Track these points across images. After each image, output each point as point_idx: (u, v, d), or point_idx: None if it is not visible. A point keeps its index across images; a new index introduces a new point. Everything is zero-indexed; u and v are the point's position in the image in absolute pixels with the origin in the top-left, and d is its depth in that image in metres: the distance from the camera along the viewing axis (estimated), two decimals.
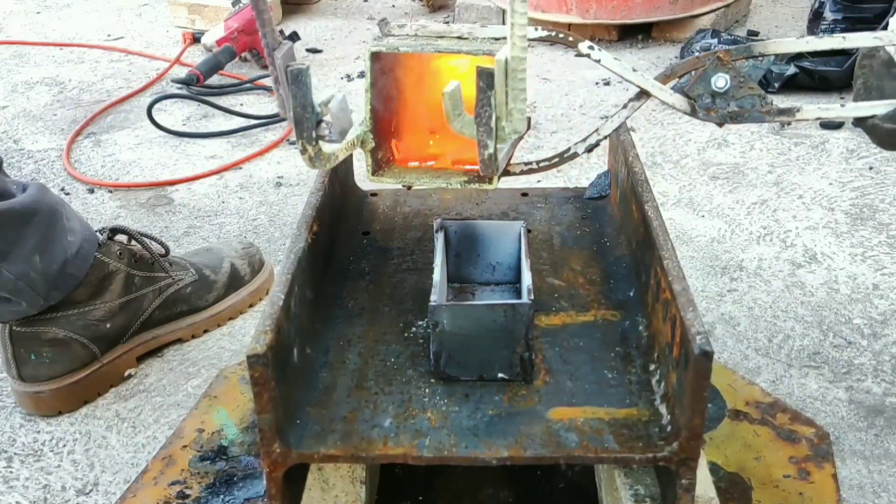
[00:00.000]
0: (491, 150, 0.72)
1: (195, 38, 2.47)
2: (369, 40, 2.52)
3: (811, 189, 1.62)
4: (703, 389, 0.63)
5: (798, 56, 2.00)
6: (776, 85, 2.00)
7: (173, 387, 1.19)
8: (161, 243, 1.26)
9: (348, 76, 2.27)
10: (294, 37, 2.35)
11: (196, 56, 2.37)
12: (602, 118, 1.94)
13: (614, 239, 0.93)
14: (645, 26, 2.44)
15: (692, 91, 0.79)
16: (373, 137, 0.83)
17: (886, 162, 1.71)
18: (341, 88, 2.20)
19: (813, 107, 0.79)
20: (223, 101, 2.12)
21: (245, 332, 1.29)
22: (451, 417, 0.70)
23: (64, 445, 1.09)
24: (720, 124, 0.80)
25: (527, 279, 0.78)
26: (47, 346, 1.12)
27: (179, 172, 1.79)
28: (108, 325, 1.16)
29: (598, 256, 0.92)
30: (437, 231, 0.86)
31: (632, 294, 0.84)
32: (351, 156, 1.03)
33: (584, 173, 1.71)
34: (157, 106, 2.00)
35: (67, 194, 1.71)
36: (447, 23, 0.85)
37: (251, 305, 1.34)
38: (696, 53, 2.31)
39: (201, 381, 1.18)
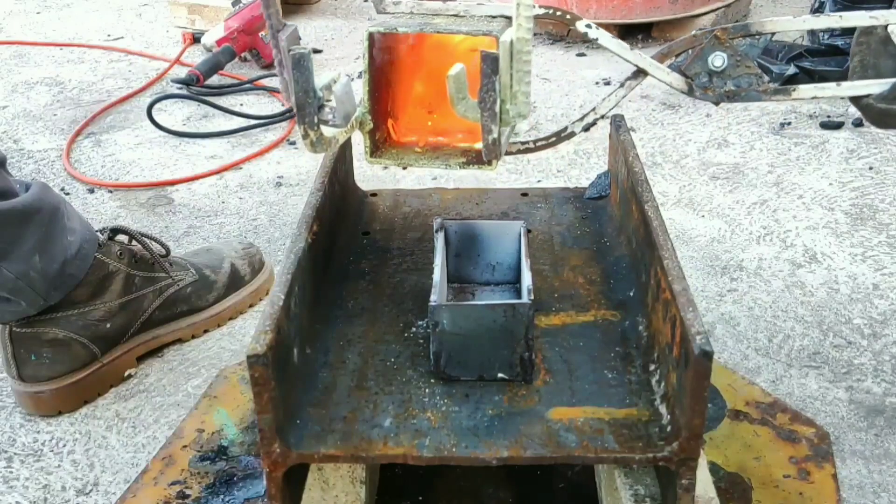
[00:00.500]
0: (495, 135, 0.72)
1: (195, 38, 2.47)
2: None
3: (811, 189, 1.62)
4: (703, 389, 0.63)
5: (798, 56, 2.01)
6: (776, 85, 2.00)
7: (173, 387, 1.19)
8: (161, 243, 1.26)
9: (349, 76, 2.27)
10: None
11: (196, 56, 2.37)
12: (602, 117, 1.94)
13: (614, 239, 0.93)
14: (645, 26, 2.44)
15: (689, 70, 0.79)
16: (371, 119, 0.83)
17: (886, 162, 1.71)
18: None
19: (809, 87, 0.79)
20: (223, 101, 2.12)
21: (245, 332, 1.29)
22: (451, 417, 0.70)
23: (64, 445, 1.09)
24: (716, 103, 0.80)
25: (527, 279, 0.78)
26: (47, 347, 1.12)
27: (179, 172, 1.79)
28: (108, 326, 1.16)
29: (598, 256, 0.92)
30: (437, 231, 0.86)
31: (632, 294, 0.84)
32: (351, 156, 1.04)
33: (584, 173, 1.71)
34: (157, 106, 2.00)
35: (67, 194, 1.71)
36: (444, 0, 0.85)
37: (251, 305, 1.34)
38: None
39: (201, 381, 1.18)
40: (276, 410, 0.66)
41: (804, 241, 1.46)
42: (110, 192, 1.73)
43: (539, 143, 0.85)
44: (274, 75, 2.24)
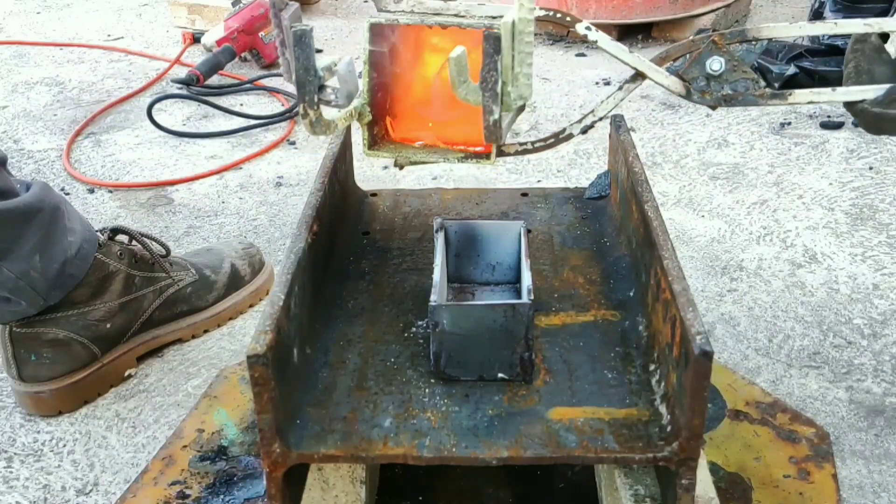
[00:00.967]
0: (496, 116, 0.72)
1: (195, 38, 2.47)
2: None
3: (811, 189, 1.62)
4: (703, 389, 0.63)
5: (798, 56, 2.01)
6: (776, 85, 2.00)
7: (173, 387, 1.19)
8: (161, 244, 1.26)
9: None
10: None
11: (196, 56, 2.37)
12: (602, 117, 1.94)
13: (614, 239, 0.93)
14: (645, 26, 2.44)
15: (687, 74, 0.80)
16: (370, 111, 0.83)
17: (886, 162, 1.71)
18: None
19: (805, 91, 0.79)
20: (223, 101, 2.12)
21: (245, 332, 1.29)
22: (451, 417, 0.70)
23: (64, 445, 1.09)
24: (713, 107, 0.81)
25: (527, 279, 0.78)
26: (47, 347, 1.12)
27: (179, 172, 1.79)
28: (108, 326, 1.16)
29: (598, 256, 0.92)
30: (437, 231, 0.86)
31: (632, 294, 0.84)
32: (351, 156, 1.04)
33: (584, 173, 1.71)
34: (157, 106, 2.00)
35: (67, 194, 1.71)
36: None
37: (251, 305, 1.34)
38: None
39: (201, 381, 1.18)
40: (276, 410, 0.66)
41: (804, 241, 1.46)
42: (110, 192, 1.73)
43: (537, 145, 0.85)
44: (274, 75, 2.25)
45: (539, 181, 1.69)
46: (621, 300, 0.84)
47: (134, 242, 1.22)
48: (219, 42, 2.28)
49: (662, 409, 0.70)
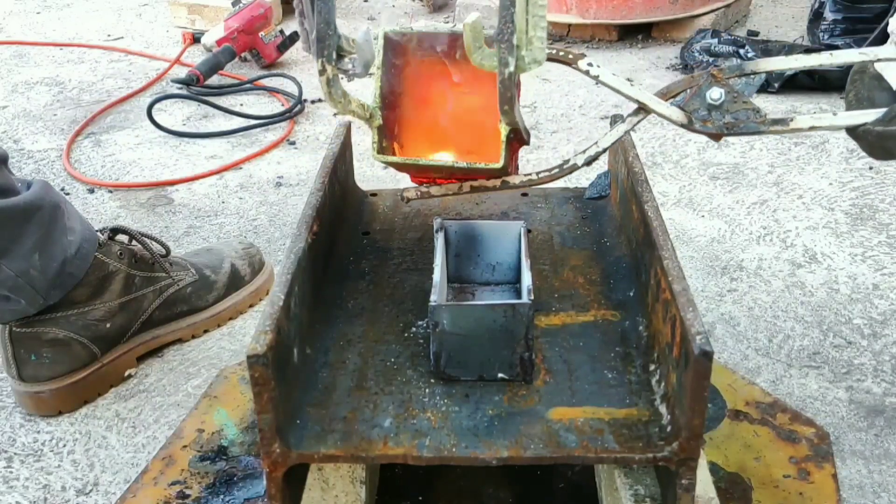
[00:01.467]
0: (511, 69, 0.72)
1: (195, 38, 2.47)
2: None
3: (811, 189, 1.62)
4: (703, 389, 0.63)
5: None
6: (776, 85, 2.00)
7: (173, 387, 1.19)
8: (161, 243, 1.26)
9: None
10: (294, 37, 2.36)
11: (196, 56, 2.37)
12: (602, 118, 1.94)
13: (614, 239, 0.93)
14: (645, 26, 2.44)
15: (688, 106, 0.81)
16: (381, 115, 0.83)
17: (886, 162, 1.71)
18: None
19: (806, 117, 0.80)
20: (223, 101, 2.12)
21: (245, 332, 1.29)
22: (451, 417, 0.70)
23: (64, 445, 1.09)
24: (717, 137, 0.81)
25: (527, 279, 0.78)
26: (47, 347, 1.12)
27: (179, 172, 1.79)
28: (108, 326, 1.16)
29: (598, 256, 0.92)
30: (437, 231, 0.86)
31: (632, 294, 0.84)
32: (351, 156, 1.04)
33: (584, 173, 1.71)
34: (157, 106, 2.00)
35: (67, 194, 1.71)
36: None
37: (251, 305, 1.34)
38: (696, 53, 2.31)
39: (201, 381, 1.18)
40: (276, 410, 0.66)
41: (804, 241, 1.46)
42: (110, 192, 1.73)
43: (542, 175, 0.85)
44: (274, 75, 2.25)
45: None
46: (621, 300, 0.84)
47: (134, 242, 1.22)
48: (219, 42, 2.28)
49: (662, 409, 0.70)
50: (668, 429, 0.68)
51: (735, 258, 1.42)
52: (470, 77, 0.84)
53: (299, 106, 2.04)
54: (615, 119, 0.99)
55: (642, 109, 0.83)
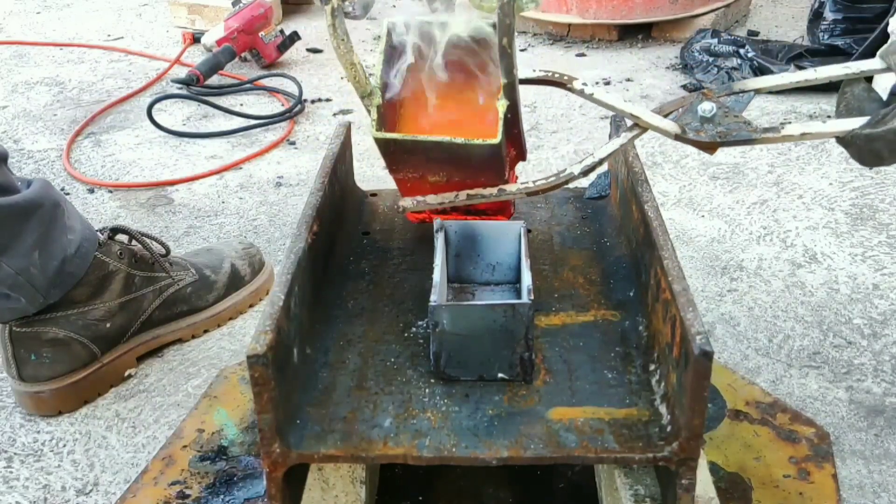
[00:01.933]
0: None
1: (195, 38, 2.47)
2: (369, 40, 2.52)
3: (811, 189, 1.62)
4: (703, 389, 0.63)
5: (798, 56, 2.01)
6: None
7: (173, 387, 1.19)
8: (161, 243, 1.26)
9: None
10: (294, 37, 2.36)
11: (196, 56, 2.37)
12: (602, 118, 1.94)
13: (614, 239, 0.93)
14: (645, 26, 2.44)
15: (681, 120, 0.83)
16: (381, 95, 0.83)
17: None
18: (341, 88, 2.20)
19: (797, 125, 0.82)
20: (223, 101, 2.12)
21: (245, 332, 1.29)
22: (451, 417, 0.70)
23: (64, 445, 1.09)
24: (711, 147, 0.82)
25: (527, 279, 0.78)
26: (47, 347, 1.12)
27: (179, 172, 1.79)
28: (108, 325, 1.16)
29: (598, 256, 0.92)
30: (437, 231, 0.86)
31: (632, 294, 0.84)
32: (351, 156, 1.04)
33: None
34: (157, 106, 2.00)
35: (68, 194, 1.71)
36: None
37: (251, 305, 1.34)
38: (696, 53, 2.31)
39: (201, 381, 1.18)
40: (276, 410, 0.66)
41: (804, 241, 1.46)
42: (110, 192, 1.73)
43: (539, 183, 0.85)
44: (274, 75, 2.25)
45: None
46: (621, 300, 0.84)
47: (134, 242, 1.22)
48: (219, 42, 2.28)
49: (662, 409, 0.70)
50: (668, 429, 0.68)
51: (735, 258, 1.42)
52: (470, 63, 0.84)
53: (299, 106, 2.04)
54: (615, 120, 1.00)
55: (637, 125, 0.84)
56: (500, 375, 0.74)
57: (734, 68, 2.05)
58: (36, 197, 1.08)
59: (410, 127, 0.87)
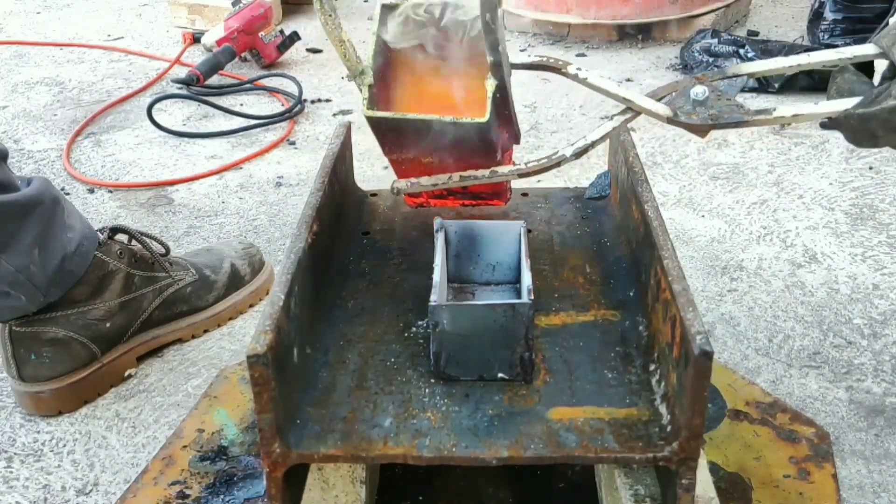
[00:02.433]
0: None
1: (195, 38, 2.47)
2: (369, 40, 2.51)
3: (811, 189, 1.62)
4: (703, 389, 0.63)
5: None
6: (776, 85, 2.00)
7: (173, 387, 1.19)
8: (161, 243, 1.26)
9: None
10: (294, 37, 2.36)
11: (196, 56, 2.37)
12: (602, 118, 1.94)
13: (614, 239, 0.93)
14: (645, 26, 2.44)
15: (674, 103, 0.83)
16: (372, 74, 0.83)
17: (886, 162, 1.71)
18: (341, 88, 2.20)
19: (789, 107, 0.83)
20: (223, 101, 2.12)
21: (245, 332, 1.29)
22: (451, 417, 0.70)
23: (64, 445, 1.09)
24: (702, 130, 0.82)
25: (527, 279, 0.78)
26: (47, 346, 1.12)
27: (179, 172, 1.79)
28: (107, 325, 1.16)
29: (598, 256, 0.92)
30: (437, 231, 0.86)
31: (632, 294, 0.84)
32: (351, 156, 1.04)
33: (584, 173, 1.71)
34: (157, 106, 2.00)
35: (68, 194, 1.71)
36: None
37: (251, 305, 1.34)
38: (696, 53, 2.31)
39: (201, 381, 1.18)
40: (276, 410, 0.66)
41: (804, 241, 1.46)
42: (110, 192, 1.73)
43: (531, 165, 0.85)
44: (274, 75, 2.25)
45: (539, 181, 1.69)
46: (621, 300, 0.84)
47: (134, 242, 1.22)
48: (219, 42, 2.28)
49: (662, 409, 0.70)
50: (668, 429, 0.68)
51: (735, 258, 1.42)
52: (458, 45, 0.84)
53: (299, 106, 2.04)
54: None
55: (630, 109, 0.84)
56: (500, 375, 0.74)
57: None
58: (36, 194, 1.08)
59: (402, 106, 0.87)
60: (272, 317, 0.67)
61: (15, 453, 1.09)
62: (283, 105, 2.09)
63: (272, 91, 2.17)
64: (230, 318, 1.31)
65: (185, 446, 1.00)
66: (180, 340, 1.26)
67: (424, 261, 0.91)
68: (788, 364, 1.18)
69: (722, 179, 1.67)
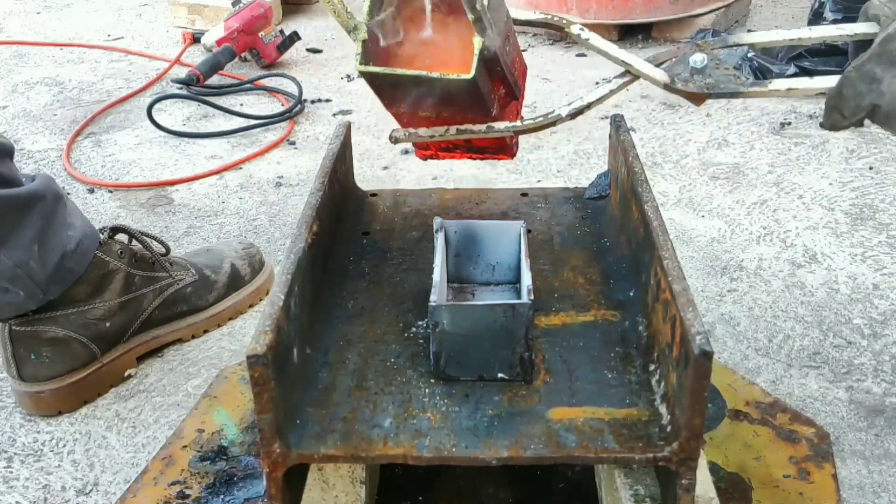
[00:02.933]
0: None
1: (195, 38, 2.47)
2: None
3: (811, 189, 1.62)
4: (703, 389, 0.63)
5: (798, 56, 2.01)
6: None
7: (173, 387, 1.19)
8: (162, 242, 1.26)
9: (349, 76, 2.27)
10: (294, 37, 2.36)
11: (196, 56, 2.37)
12: (602, 118, 1.94)
13: (614, 239, 0.93)
14: (645, 26, 2.44)
15: (672, 70, 0.84)
16: (366, 30, 0.83)
17: (886, 162, 1.71)
18: (341, 88, 2.20)
19: (784, 80, 0.84)
20: (223, 101, 2.12)
21: (245, 332, 1.29)
22: (451, 417, 0.70)
23: (64, 445, 1.09)
24: (698, 98, 0.83)
25: (527, 279, 0.78)
26: (47, 346, 1.12)
27: (179, 172, 1.79)
28: (107, 325, 1.16)
29: (598, 256, 0.92)
30: (436, 231, 0.86)
31: (632, 294, 0.84)
32: (351, 156, 1.04)
33: (584, 173, 1.71)
34: (157, 106, 2.00)
35: (68, 194, 1.70)
36: None
37: (251, 305, 1.34)
38: None
39: (201, 381, 1.18)
40: (276, 410, 0.66)
41: (804, 241, 1.46)
42: (110, 192, 1.73)
43: (527, 123, 0.86)
44: (274, 75, 2.24)
45: (539, 181, 1.69)
46: (621, 300, 0.84)
47: (134, 242, 1.22)
48: (219, 42, 2.28)
49: (662, 409, 0.70)
50: (668, 429, 0.68)
51: (735, 258, 1.42)
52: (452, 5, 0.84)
53: (299, 106, 2.04)
54: (615, 120, 1.00)
55: (628, 72, 0.85)
56: (500, 375, 0.74)
57: (735, 68, 2.05)
58: (38, 190, 1.08)
59: (397, 62, 0.87)
60: (272, 317, 0.67)
61: (15, 453, 1.09)
62: (283, 105, 2.09)
63: (272, 91, 2.17)
64: (230, 318, 1.31)
65: (185, 446, 1.00)
66: (180, 340, 1.26)
67: (424, 261, 0.91)
68: (788, 364, 1.18)
69: (722, 179, 1.67)
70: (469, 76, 0.79)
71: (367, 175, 1.70)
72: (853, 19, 2.28)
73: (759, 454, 0.96)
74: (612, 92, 0.85)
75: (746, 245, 1.46)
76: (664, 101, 2.02)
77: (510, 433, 0.69)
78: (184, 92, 2.14)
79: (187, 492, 0.94)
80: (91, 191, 1.73)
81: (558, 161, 1.77)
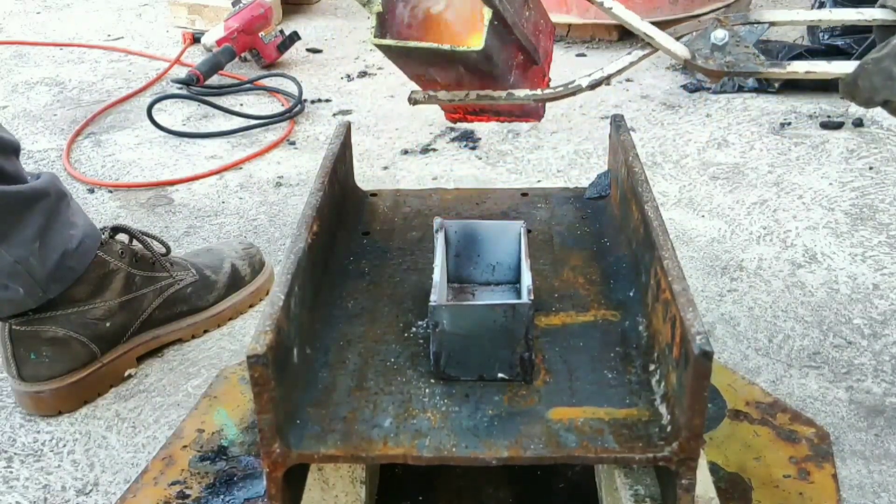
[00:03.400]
0: None
1: (195, 38, 2.47)
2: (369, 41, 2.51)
3: (811, 189, 1.62)
4: (703, 389, 0.63)
5: (798, 56, 2.01)
6: (776, 85, 2.00)
7: (173, 387, 1.19)
8: (162, 242, 1.26)
9: (348, 76, 2.27)
10: (294, 37, 2.36)
11: (196, 56, 2.37)
12: (603, 118, 1.94)
13: (614, 239, 0.93)
14: None
15: (692, 45, 0.84)
16: (380, 2, 0.83)
17: (886, 162, 1.71)
18: (341, 89, 2.20)
19: (803, 63, 0.85)
20: (223, 101, 2.12)
21: (245, 332, 1.29)
22: (451, 417, 0.70)
23: (64, 445, 1.09)
24: (717, 75, 0.83)
25: (527, 279, 0.78)
26: (47, 345, 1.12)
27: (179, 172, 1.79)
28: (107, 325, 1.16)
29: (598, 256, 0.92)
30: (437, 231, 0.86)
31: (632, 294, 0.84)
32: (351, 156, 1.04)
33: (584, 173, 1.71)
34: (157, 106, 2.00)
35: None
36: None
37: (251, 306, 1.34)
38: None
39: (201, 381, 1.18)
40: (276, 410, 0.66)
41: (804, 241, 1.46)
42: (110, 192, 1.73)
43: (546, 92, 0.86)
44: (274, 75, 2.25)
45: (539, 181, 1.69)
46: (621, 300, 0.84)
47: (134, 242, 1.22)
48: (219, 42, 2.28)
49: (662, 409, 0.70)
50: (668, 429, 0.68)
51: (735, 258, 1.42)
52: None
53: (299, 106, 2.04)
54: (615, 120, 1.00)
55: (649, 45, 0.85)
56: (500, 375, 0.74)
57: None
58: (41, 187, 1.09)
59: (411, 33, 0.86)
60: (272, 317, 0.67)
61: (15, 453, 1.09)
62: (283, 105, 2.09)
63: (272, 91, 2.17)
64: (230, 319, 1.31)
65: (185, 446, 1.00)
66: (180, 340, 1.26)
67: (424, 261, 0.91)
68: (788, 364, 1.18)
69: (722, 179, 1.67)
70: (479, 48, 0.79)
71: (367, 175, 1.70)
72: None
73: (760, 454, 0.96)
74: (632, 63, 0.85)
75: (746, 245, 1.46)
76: (664, 101, 2.02)
77: (510, 433, 0.69)
78: (184, 92, 2.14)
79: (187, 492, 0.94)
80: (91, 191, 1.73)
81: (558, 161, 1.77)
